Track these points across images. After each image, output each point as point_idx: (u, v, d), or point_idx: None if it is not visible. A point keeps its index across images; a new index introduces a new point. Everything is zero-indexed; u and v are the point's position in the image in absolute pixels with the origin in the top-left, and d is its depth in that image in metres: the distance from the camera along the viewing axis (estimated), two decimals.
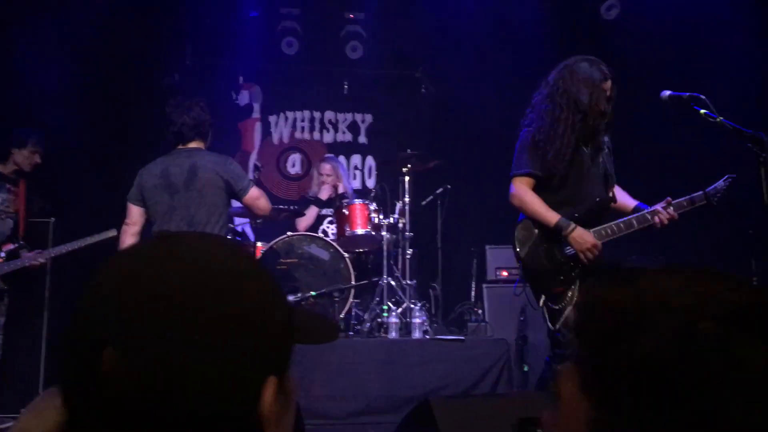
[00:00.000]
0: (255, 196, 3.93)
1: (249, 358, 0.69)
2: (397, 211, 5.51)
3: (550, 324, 3.30)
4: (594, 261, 3.23)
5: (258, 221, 5.50)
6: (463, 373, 4.62)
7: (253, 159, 7.07)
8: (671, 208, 3.33)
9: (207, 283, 0.69)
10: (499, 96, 6.66)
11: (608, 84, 3.37)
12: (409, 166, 5.41)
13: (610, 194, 3.45)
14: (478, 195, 6.60)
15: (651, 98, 3.42)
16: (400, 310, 5.10)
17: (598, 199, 3.36)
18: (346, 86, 7.30)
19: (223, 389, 0.67)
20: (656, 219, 3.31)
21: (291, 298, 5.16)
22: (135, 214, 3.97)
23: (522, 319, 5.16)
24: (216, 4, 6.58)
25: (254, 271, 0.74)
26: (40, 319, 4.95)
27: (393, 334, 4.92)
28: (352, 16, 7.13)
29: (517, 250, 3.40)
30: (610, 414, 0.63)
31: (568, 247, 3.30)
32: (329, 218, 5.89)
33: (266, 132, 7.31)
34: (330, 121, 7.41)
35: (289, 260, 5.26)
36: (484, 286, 5.64)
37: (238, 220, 6.00)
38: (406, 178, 5.41)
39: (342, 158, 7.18)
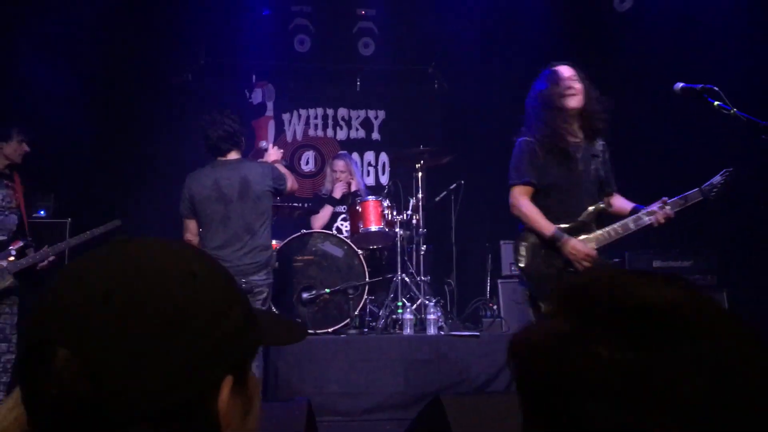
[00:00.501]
0: (290, 186, 4.38)
1: (201, 358, 0.70)
2: (410, 207, 5.50)
3: None
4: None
5: (273, 218, 5.53)
6: (478, 369, 4.61)
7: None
8: (667, 207, 3.37)
9: (155, 285, 0.70)
10: (511, 90, 6.61)
11: (563, 70, 3.46)
12: (422, 161, 5.40)
13: (605, 201, 3.51)
14: (492, 190, 6.54)
15: (664, 91, 3.40)
16: (414, 306, 5.10)
17: (590, 208, 3.43)
18: (358, 83, 7.30)
19: (175, 388, 0.68)
20: (652, 219, 3.36)
21: (306, 295, 5.19)
22: (193, 227, 4.29)
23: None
24: (228, 3, 6.61)
25: (207, 274, 0.75)
26: None
27: (408, 331, 4.92)
28: (363, 12, 7.11)
29: (518, 259, 3.48)
30: None
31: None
32: (343, 215, 5.90)
33: (280, 130, 7.33)
34: (343, 118, 7.42)
35: (303, 257, 5.27)
36: (499, 281, 5.63)
37: None
38: (420, 174, 5.41)
39: (355, 155, 7.19)
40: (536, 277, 3.43)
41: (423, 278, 5.31)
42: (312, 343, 4.61)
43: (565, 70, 3.45)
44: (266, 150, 4.73)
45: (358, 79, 7.29)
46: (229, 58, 6.94)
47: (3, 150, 4.65)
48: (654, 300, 0.62)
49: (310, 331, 4.96)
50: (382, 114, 7.43)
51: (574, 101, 3.41)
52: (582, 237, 3.38)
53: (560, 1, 6.41)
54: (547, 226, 3.38)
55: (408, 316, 4.97)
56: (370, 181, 7.25)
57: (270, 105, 7.32)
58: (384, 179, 7.29)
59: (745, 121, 2.85)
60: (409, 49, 7.14)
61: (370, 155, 7.40)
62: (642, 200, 3.58)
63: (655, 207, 3.38)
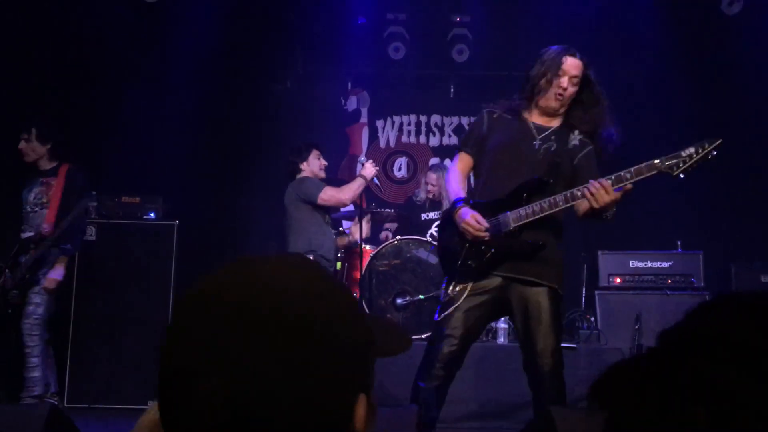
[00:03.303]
0: (325, 198, 4.76)
1: (342, 377, 0.69)
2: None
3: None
4: (481, 240, 2.92)
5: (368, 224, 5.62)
6: (574, 382, 4.46)
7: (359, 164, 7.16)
8: (600, 182, 2.81)
9: (295, 308, 0.69)
10: (611, 95, 6.47)
11: (571, 66, 3.01)
12: None
13: (547, 179, 2.97)
14: None
15: None
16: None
17: (522, 182, 2.96)
18: (452, 89, 7.30)
19: (320, 410, 0.67)
20: (585, 192, 2.82)
21: (400, 301, 5.23)
22: None
23: (637, 327, 4.99)
24: (325, 12, 6.76)
25: (335, 290, 0.74)
26: (165, 313, 5.19)
27: (501, 339, 4.89)
28: (458, 19, 7.11)
29: (441, 233, 3.27)
30: None
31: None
32: (437, 222, 5.90)
33: (373, 136, 7.43)
34: (436, 125, 7.44)
35: (397, 263, 5.32)
36: (597, 292, 5.47)
37: (346, 224, 6.15)
38: None
39: (448, 161, 7.18)
40: (446, 254, 3.12)
41: None
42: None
43: (573, 68, 3.01)
44: (363, 164, 4.95)
45: (452, 86, 7.29)
46: (325, 66, 7.09)
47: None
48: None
49: None
50: None
51: (557, 104, 3.04)
52: (504, 212, 2.96)
53: (664, 5, 6.20)
54: (452, 194, 3.11)
55: (502, 325, 4.93)
56: None
57: (364, 112, 7.43)
58: None
59: None
60: (504, 55, 7.06)
61: None
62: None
63: (594, 181, 2.84)
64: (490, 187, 3.07)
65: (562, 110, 3.10)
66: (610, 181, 2.81)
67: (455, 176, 3.18)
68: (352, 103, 7.41)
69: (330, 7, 6.71)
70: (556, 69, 2.99)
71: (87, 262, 5.12)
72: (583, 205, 2.92)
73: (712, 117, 6.23)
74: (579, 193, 2.86)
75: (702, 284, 5.48)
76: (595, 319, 5.34)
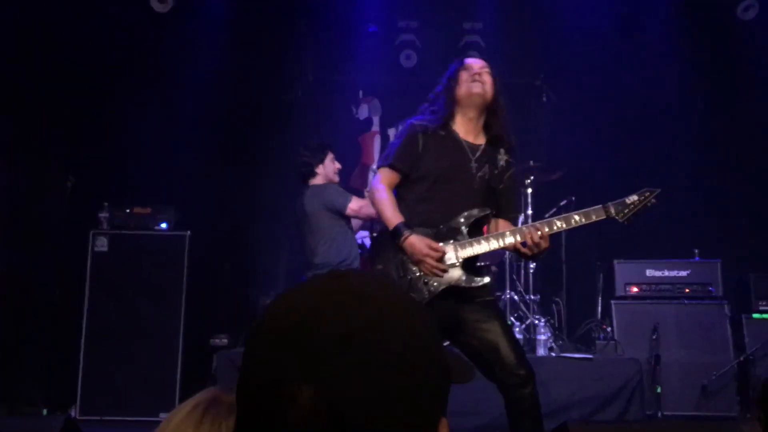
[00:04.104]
0: (355, 208, 4.57)
1: (432, 397, 0.70)
2: (519, 224, 5.39)
3: None
4: (440, 272, 2.83)
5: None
6: (591, 393, 4.46)
7: (371, 174, 7.15)
8: (543, 232, 2.82)
9: (389, 323, 0.70)
10: (625, 102, 6.42)
11: (474, 61, 3.11)
12: (531, 177, 5.30)
13: (487, 210, 2.99)
14: None
15: None
16: (523, 326, 4.99)
17: (465, 213, 2.93)
18: None
19: (411, 428, 0.68)
20: (528, 238, 2.82)
21: None
22: None
23: (654, 337, 4.91)
24: (336, 20, 6.75)
25: (420, 309, 0.75)
26: (177, 324, 5.17)
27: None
28: (470, 26, 7.08)
29: (374, 260, 3.08)
30: None
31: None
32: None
33: (385, 144, 7.38)
34: None
35: None
36: (613, 302, 5.39)
37: (359, 234, 6.09)
38: (528, 190, 5.32)
39: None
40: None
41: (532, 297, 5.19)
42: None
43: (474, 62, 3.12)
44: (375, 172, 4.83)
45: None
46: (336, 74, 7.07)
47: None
48: None
49: None
50: None
51: (478, 88, 3.00)
52: (446, 243, 2.88)
53: (679, 11, 6.15)
54: (392, 217, 2.89)
55: (517, 335, 4.86)
56: None
57: (376, 120, 7.39)
58: None
59: None
60: (517, 62, 7.01)
61: None
62: None
63: (538, 222, 2.89)
64: (422, 213, 2.96)
65: (482, 118, 3.08)
66: (560, 224, 2.85)
67: (388, 197, 2.98)
68: (363, 112, 7.38)
69: (341, 15, 6.71)
70: (460, 66, 3.08)
71: (99, 273, 5.12)
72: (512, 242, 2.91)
73: (728, 123, 6.17)
74: (523, 233, 2.86)
75: (720, 293, 5.37)
76: (612, 329, 5.26)
